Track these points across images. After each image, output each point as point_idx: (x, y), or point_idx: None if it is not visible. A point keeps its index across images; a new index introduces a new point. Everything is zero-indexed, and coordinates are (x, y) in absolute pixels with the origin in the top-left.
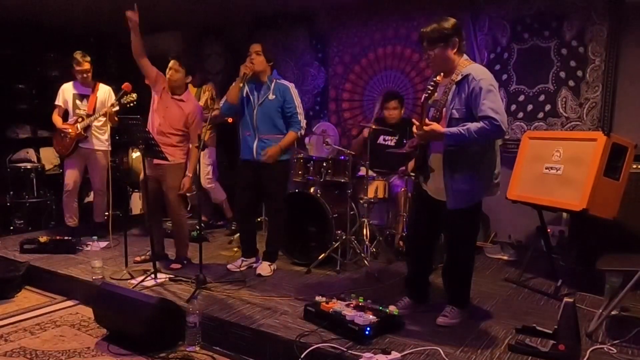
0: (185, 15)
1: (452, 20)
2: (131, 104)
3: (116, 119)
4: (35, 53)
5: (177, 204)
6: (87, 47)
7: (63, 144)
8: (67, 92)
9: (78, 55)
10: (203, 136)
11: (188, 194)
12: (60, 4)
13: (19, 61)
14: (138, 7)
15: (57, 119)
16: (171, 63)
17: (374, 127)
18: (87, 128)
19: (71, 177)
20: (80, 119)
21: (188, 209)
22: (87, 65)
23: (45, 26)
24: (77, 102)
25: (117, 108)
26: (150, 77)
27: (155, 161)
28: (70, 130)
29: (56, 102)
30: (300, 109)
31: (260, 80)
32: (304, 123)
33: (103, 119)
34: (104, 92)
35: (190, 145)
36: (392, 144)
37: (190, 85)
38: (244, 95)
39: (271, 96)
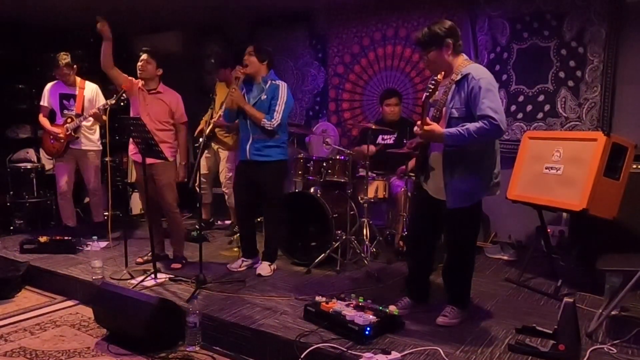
0: (185, 15)
1: (447, 23)
2: (123, 102)
3: (104, 117)
4: (35, 53)
5: (171, 202)
6: (87, 47)
7: (54, 145)
8: (52, 92)
9: (59, 56)
10: (205, 134)
11: (204, 192)
12: (60, 4)
13: (19, 61)
14: (105, 18)
15: (44, 121)
16: (143, 56)
17: (373, 127)
18: (77, 129)
19: (64, 179)
20: (69, 120)
21: (198, 205)
22: (67, 67)
23: (45, 26)
24: (64, 102)
25: (106, 106)
26: (125, 84)
27: (148, 160)
28: (59, 132)
29: (42, 103)
30: (281, 108)
31: (255, 81)
32: (275, 122)
33: (89, 122)
34: (91, 91)
35: (181, 133)
36: (391, 142)
37: (222, 85)
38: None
39: (264, 97)
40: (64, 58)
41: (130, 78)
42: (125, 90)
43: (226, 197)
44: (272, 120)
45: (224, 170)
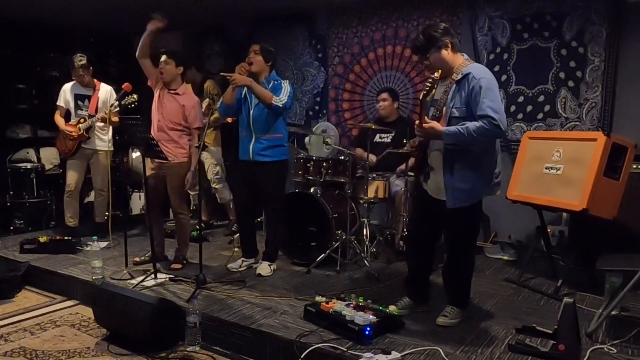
0: (185, 15)
1: (440, 24)
2: (132, 105)
3: (115, 119)
4: (35, 53)
5: (180, 203)
6: (87, 47)
7: (66, 144)
8: (68, 92)
9: (75, 58)
10: (203, 137)
11: (192, 193)
12: (60, 4)
13: (19, 61)
14: (159, 13)
15: (59, 120)
16: (162, 58)
17: (373, 127)
18: (90, 129)
19: (73, 177)
20: (82, 120)
21: (191, 208)
22: (82, 68)
23: (45, 26)
24: (79, 102)
25: (117, 109)
26: (151, 77)
27: (158, 160)
28: (72, 131)
29: (58, 103)
30: (285, 93)
31: (258, 80)
32: (281, 101)
33: (101, 123)
34: (106, 92)
35: (193, 139)
36: (389, 140)
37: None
38: (242, 95)
39: None
40: (80, 60)
41: (157, 72)
42: (126, 91)
43: (217, 193)
44: (280, 97)
45: (210, 167)
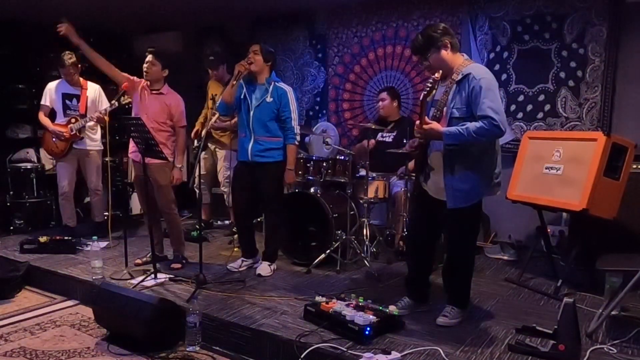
0: (185, 15)
1: (439, 24)
2: (129, 105)
3: (106, 118)
4: (35, 53)
5: (167, 202)
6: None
7: (57, 145)
8: (54, 91)
9: (64, 56)
10: (203, 136)
11: (203, 193)
12: (59, 4)
13: (19, 61)
14: (67, 20)
15: (46, 120)
16: (148, 57)
17: (373, 126)
18: (82, 129)
19: (66, 179)
20: (73, 120)
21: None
22: (72, 66)
23: (45, 26)
24: (67, 102)
25: (113, 107)
26: (124, 83)
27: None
28: (64, 132)
29: (42, 102)
30: (294, 115)
31: (257, 81)
32: (297, 129)
33: (91, 123)
34: (94, 91)
35: (179, 137)
36: (390, 140)
37: (216, 83)
38: (242, 96)
39: (269, 99)
40: (70, 57)
41: (129, 77)
42: (125, 91)
43: (225, 196)
44: (295, 135)
45: (222, 169)
